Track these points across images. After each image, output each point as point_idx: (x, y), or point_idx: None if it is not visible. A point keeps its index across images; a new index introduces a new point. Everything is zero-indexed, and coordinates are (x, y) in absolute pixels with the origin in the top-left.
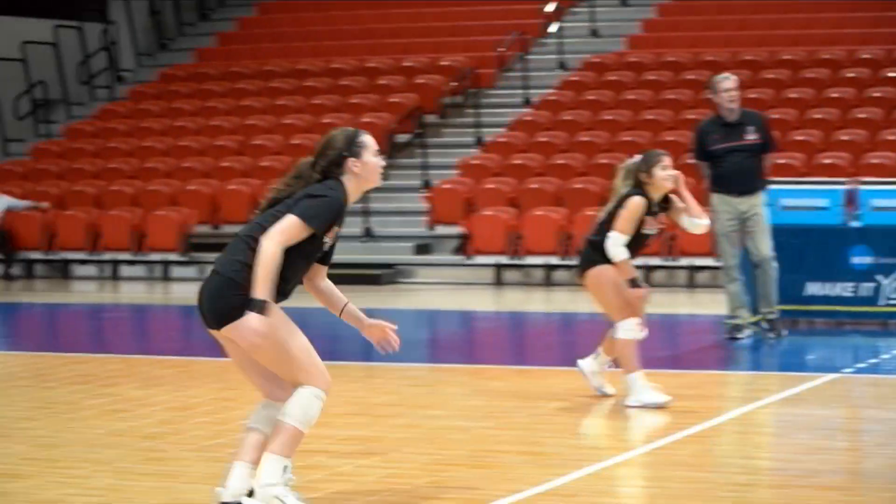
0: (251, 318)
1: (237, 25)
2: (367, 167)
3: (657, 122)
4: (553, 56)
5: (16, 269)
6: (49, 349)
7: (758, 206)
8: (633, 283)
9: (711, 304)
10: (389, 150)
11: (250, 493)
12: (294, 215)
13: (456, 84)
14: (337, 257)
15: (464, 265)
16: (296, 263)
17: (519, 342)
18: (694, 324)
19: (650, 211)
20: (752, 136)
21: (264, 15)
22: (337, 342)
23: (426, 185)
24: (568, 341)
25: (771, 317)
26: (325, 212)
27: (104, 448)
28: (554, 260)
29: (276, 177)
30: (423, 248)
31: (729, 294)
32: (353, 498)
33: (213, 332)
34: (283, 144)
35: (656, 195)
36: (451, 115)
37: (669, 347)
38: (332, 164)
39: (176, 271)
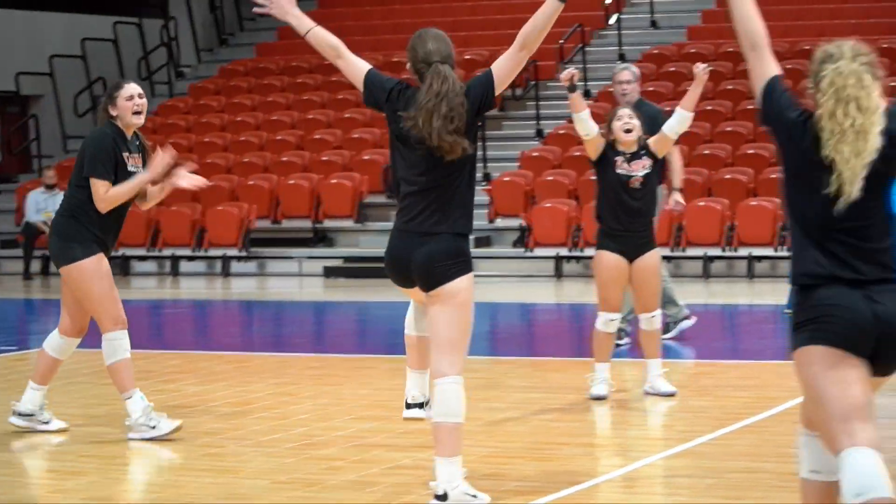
0: None
1: None
2: None
3: (717, 113)
4: (613, 48)
5: None
6: None
7: None
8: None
9: (771, 294)
10: None
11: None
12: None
13: (516, 76)
14: None
15: (524, 258)
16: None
17: (579, 335)
18: (752, 314)
19: (617, 152)
20: None
21: (324, 9)
22: (398, 336)
23: (487, 178)
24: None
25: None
26: None
27: (162, 444)
28: None
29: (335, 171)
30: (483, 241)
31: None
32: (411, 490)
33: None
34: (342, 139)
35: (624, 149)
36: (511, 108)
37: (726, 337)
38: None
39: (236, 267)
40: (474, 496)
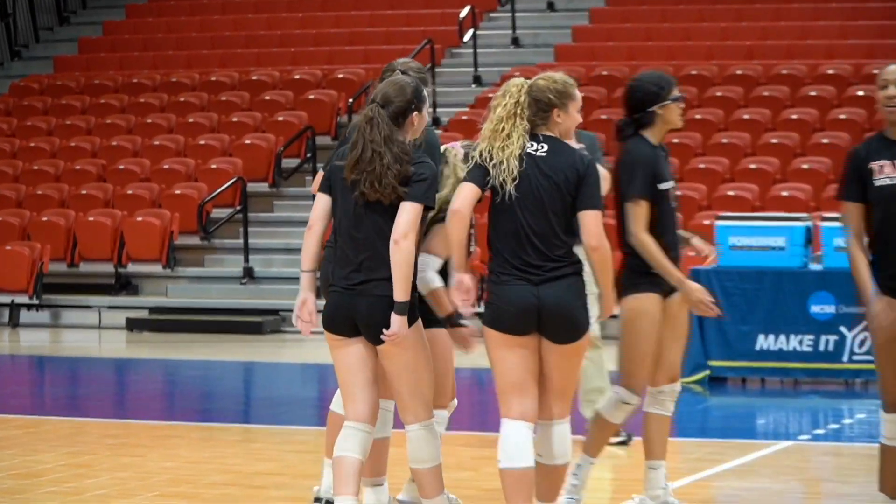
0: None
1: (102, 31)
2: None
3: None
4: (468, 69)
5: None
6: None
7: None
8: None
9: None
10: (275, 177)
11: None
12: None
13: (353, 101)
14: (212, 302)
15: None
16: None
17: None
18: None
19: None
20: None
21: (133, 19)
22: (211, 400)
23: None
24: (477, 401)
25: None
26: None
27: None
28: None
29: (142, 207)
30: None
31: None
32: None
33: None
34: (152, 170)
35: None
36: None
37: None
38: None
39: (25, 316)
40: None
